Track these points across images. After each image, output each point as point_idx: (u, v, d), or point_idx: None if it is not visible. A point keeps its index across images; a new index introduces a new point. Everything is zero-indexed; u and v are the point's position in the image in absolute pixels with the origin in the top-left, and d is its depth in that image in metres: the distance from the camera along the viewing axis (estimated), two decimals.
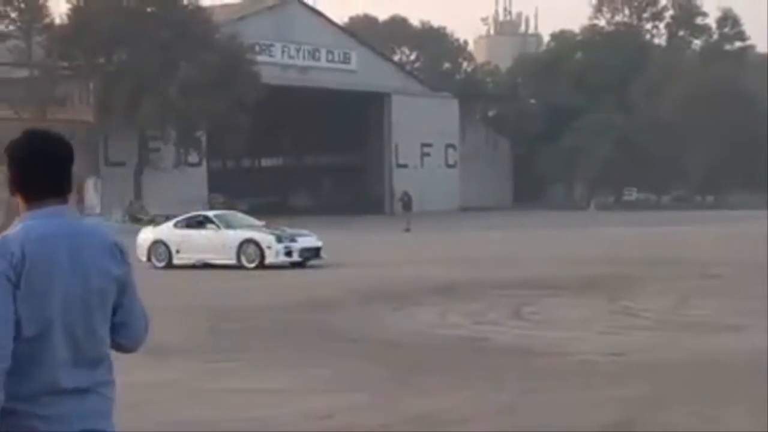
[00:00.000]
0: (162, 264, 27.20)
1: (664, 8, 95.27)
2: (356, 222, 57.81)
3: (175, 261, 27.21)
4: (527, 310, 16.62)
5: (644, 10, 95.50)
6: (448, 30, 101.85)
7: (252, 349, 13.15)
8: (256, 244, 26.63)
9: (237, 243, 26.69)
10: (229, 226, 27.66)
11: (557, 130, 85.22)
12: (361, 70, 77.96)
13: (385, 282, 22.02)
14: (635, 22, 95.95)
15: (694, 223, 48.25)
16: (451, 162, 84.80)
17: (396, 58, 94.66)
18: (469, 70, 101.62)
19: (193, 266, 26.76)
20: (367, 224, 56.04)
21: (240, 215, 30.80)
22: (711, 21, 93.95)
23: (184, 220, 28.61)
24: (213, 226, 27.57)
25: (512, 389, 10.03)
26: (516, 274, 23.21)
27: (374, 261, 26.84)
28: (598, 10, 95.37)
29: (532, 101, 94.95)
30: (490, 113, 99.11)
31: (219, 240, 26.95)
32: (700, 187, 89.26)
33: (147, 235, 28.36)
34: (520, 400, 9.57)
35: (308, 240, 27.61)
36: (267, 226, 28.25)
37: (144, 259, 27.20)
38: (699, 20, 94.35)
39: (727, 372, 10.91)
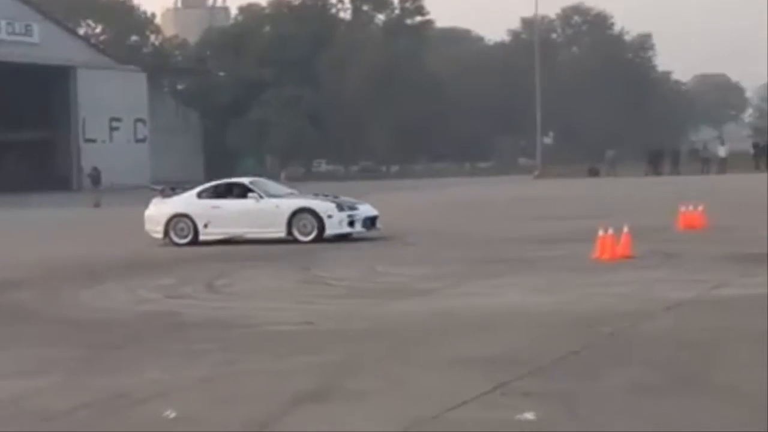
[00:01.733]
0: (185, 240, 24.11)
1: None
2: (42, 199, 56.08)
3: (202, 237, 24.20)
4: (221, 283, 16.62)
5: None
6: (135, 2, 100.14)
7: None
8: (313, 213, 23.70)
9: (288, 213, 23.66)
10: (269, 194, 24.58)
11: (246, 104, 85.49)
12: (44, 43, 75.62)
13: (74, 260, 21.50)
14: None
15: (385, 192, 49.51)
16: (140, 136, 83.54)
17: (81, 31, 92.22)
18: (156, 43, 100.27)
19: (220, 242, 23.96)
20: (54, 201, 54.47)
21: (272, 182, 27.43)
22: None
23: (209, 188, 25.22)
24: (253, 194, 24.30)
25: (208, 362, 10.01)
26: (204, 248, 23.16)
27: (60, 238, 26.07)
28: None
29: (221, 74, 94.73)
30: (180, 87, 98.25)
31: (263, 210, 23.90)
32: (384, 158, 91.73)
33: (161, 208, 24.92)
34: (216, 372, 9.56)
35: (366, 209, 24.78)
36: (295, 194, 25.31)
37: (160, 236, 24.40)
38: None
39: (414, 334, 11.27)
